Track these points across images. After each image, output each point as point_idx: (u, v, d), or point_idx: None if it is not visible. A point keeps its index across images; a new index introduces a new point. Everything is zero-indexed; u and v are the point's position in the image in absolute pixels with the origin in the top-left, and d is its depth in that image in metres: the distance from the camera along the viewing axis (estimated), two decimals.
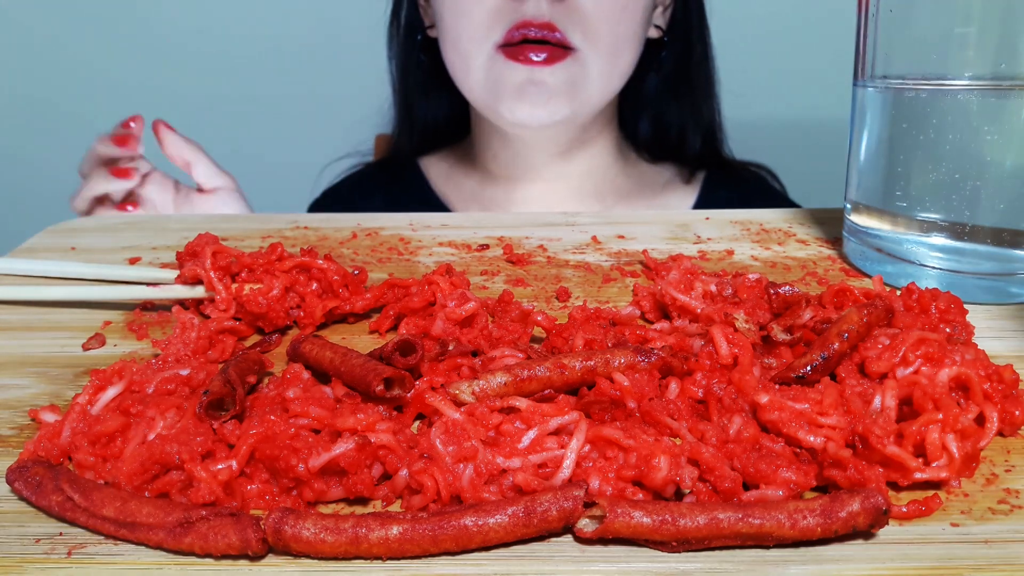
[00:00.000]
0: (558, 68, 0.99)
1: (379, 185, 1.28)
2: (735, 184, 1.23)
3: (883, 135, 0.64)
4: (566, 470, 0.42)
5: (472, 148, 1.23)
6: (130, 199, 1.00)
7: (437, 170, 1.26)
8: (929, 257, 0.63)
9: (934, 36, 0.59)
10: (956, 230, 0.62)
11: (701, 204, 1.20)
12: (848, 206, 0.71)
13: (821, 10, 1.63)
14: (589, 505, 0.40)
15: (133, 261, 0.77)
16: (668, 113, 1.20)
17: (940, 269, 0.63)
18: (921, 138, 0.61)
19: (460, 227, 0.85)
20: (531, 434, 0.44)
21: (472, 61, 1.02)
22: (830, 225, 0.82)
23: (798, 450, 0.44)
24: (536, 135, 1.10)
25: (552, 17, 0.97)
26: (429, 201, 1.22)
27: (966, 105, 0.59)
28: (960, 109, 0.59)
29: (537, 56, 0.98)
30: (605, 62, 1.03)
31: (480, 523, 0.39)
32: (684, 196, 1.21)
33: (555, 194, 1.17)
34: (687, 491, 0.42)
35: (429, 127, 1.26)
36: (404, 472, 0.43)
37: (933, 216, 0.62)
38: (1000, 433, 0.47)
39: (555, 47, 0.98)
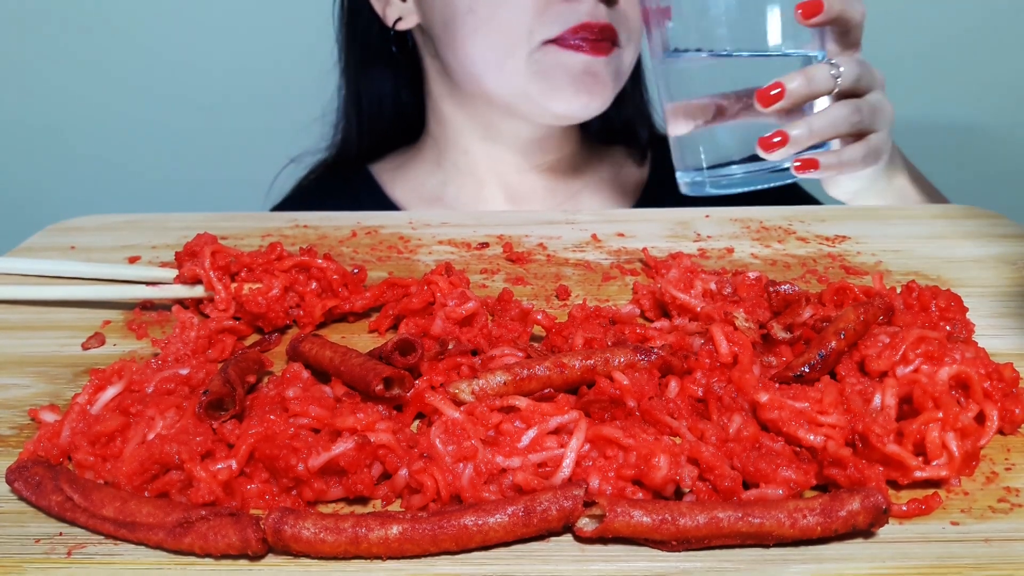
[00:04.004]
0: (610, 59, 1.01)
1: (328, 196, 1.22)
2: None
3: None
4: (566, 469, 0.42)
5: (433, 147, 1.19)
6: None
7: (391, 175, 1.22)
8: None
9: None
10: None
11: (656, 174, 1.21)
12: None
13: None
14: (589, 504, 0.40)
15: (133, 260, 0.77)
16: (610, 112, 1.20)
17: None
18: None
19: (460, 225, 0.85)
20: (531, 433, 0.44)
21: (515, 51, 1.00)
22: (831, 223, 0.82)
23: (798, 449, 0.44)
24: (554, 126, 1.11)
25: (609, 19, 0.99)
26: (384, 208, 1.16)
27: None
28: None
29: (597, 47, 0.99)
30: (632, 56, 1.06)
31: (480, 523, 0.39)
32: (640, 169, 1.23)
33: (523, 186, 1.16)
34: (687, 490, 0.42)
35: (387, 127, 1.22)
36: (404, 472, 0.43)
37: None
38: (1000, 431, 0.47)
39: (607, 43, 1.01)
